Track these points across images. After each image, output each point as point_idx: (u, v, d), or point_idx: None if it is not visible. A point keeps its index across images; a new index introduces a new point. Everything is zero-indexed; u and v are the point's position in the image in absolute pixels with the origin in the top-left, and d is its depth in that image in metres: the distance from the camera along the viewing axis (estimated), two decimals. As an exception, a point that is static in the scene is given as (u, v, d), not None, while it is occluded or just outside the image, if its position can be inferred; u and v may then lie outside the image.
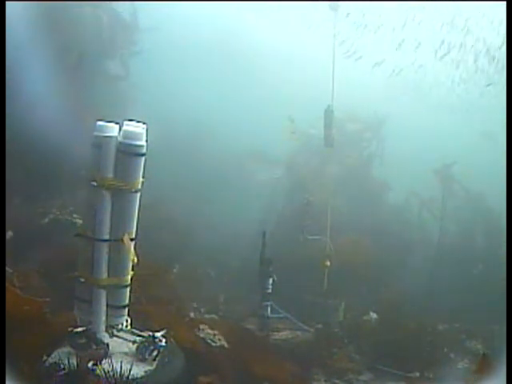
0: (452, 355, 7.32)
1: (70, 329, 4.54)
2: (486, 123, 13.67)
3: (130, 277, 4.69)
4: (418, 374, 6.70)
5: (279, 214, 11.04)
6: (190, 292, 8.02)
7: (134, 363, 4.42)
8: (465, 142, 13.90)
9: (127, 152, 4.45)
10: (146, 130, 4.54)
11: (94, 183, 4.44)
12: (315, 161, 11.55)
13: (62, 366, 4.18)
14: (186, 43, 14.68)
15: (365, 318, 8.05)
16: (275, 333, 7.49)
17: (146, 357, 4.56)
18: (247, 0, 14.41)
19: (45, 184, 7.88)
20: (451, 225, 11.50)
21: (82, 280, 4.62)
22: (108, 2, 10.14)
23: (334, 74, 8.41)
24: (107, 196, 4.47)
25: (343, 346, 7.30)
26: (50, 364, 4.26)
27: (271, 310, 7.61)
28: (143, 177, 4.58)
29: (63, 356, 4.31)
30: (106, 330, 4.69)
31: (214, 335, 6.01)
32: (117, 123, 4.52)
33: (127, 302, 4.76)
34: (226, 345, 5.97)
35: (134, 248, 4.62)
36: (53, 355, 4.36)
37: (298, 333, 7.67)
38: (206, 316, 7.86)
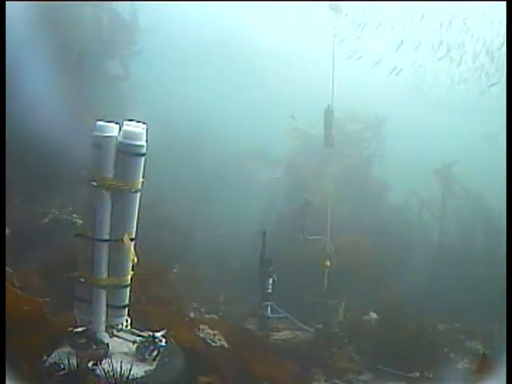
0: (452, 355, 7.32)
1: (70, 329, 4.53)
2: (486, 123, 13.68)
3: (129, 277, 4.69)
4: (418, 374, 6.71)
5: (279, 214, 11.04)
6: (190, 292, 8.02)
7: (134, 363, 4.42)
8: (465, 142, 13.90)
9: (127, 152, 4.45)
10: (146, 130, 4.54)
11: (94, 183, 4.44)
12: (315, 161, 11.56)
13: (62, 366, 4.18)
14: (185, 43, 14.70)
15: (365, 318, 8.05)
16: (275, 333, 7.49)
17: (146, 357, 4.56)
18: (247, 0, 14.42)
19: (45, 184, 7.88)
20: (451, 225, 11.51)
21: (82, 280, 4.62)
22: (108, 2, 10.15)
23: (333, 74, 8.41)
24: (107, 196, 4.47)
25: (343, 346, 7.30)
26: (50, 364, 4.25)
27: (271, 310, 7.61)
28: (143, 177, 4.57)
29: (63, 356, 4.31)
30: (106, 330, 4.68)
31: (214, 335, 6.00)
32: (117, 123, 4.51)
33: (127, 302, 4.76)
34: (225, 345, 5.96)
35: (134, 248, 4.62)
36: (53, 355, 4.36)
37: (298, 333, 7.67)
38: (206, 316, 7.86)
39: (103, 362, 4.30)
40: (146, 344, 4.63)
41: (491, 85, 13.47)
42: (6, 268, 5.46)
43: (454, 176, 11.56)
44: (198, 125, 13.53)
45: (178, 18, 13.64)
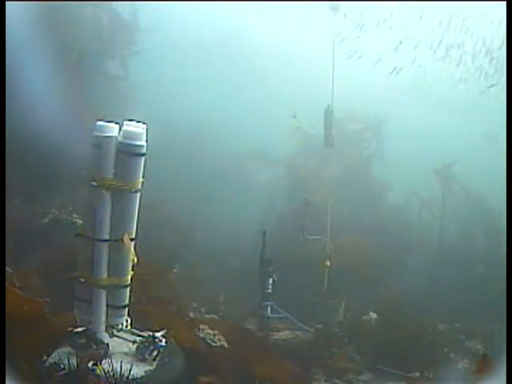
0: (452, 355, 7.32)
1: (70, 329, 4.54)
2: (486, 123, 13.68)
3: (129, 277, 4.69)
4: (418, 374, 6.71)
5: (279, 214, 11.05)
6: (190, 292, 8.01)
7: (134, 363, 4.42)
8: (465, 142, 13.90)
9: (127, 152, 4.45)
10: (146, 130, 4.54)
11: (94, 183, 4.44)
12: (315, 161, 11.56)
13: (62, 366, 4.18)
14: (185, 43, 14.68)
15: (365, 318, 8.04)
16: (275, 333, 7.48)
17: (146, 357, 4.56)
18: (247, 0, 14.42)
19: (45, 184, 7.88)
20: (451, 225, 11.51)
21: (82, 280, 4.62)
22: (108, 2, 10.14)
23: (334, 74, 8.40)
24: (107, 196, 4.47)
25: (343, 346, 7.30)
26: (50, 364, 4.25)
27: (271, 310, 7.61)
28: (143, 177, 4.58)
29: (63, 356, 4.31)
30: (106, 330, 4.69)
31: (214, 335, 6.00)
32: (117, 123, 4.52)
33: (127, 302, 4.76)
34: (225, 345, 5.96)
35: (134, 248, 4.62)
36: (53, 355, 4.36)
37: (298, 333, 7.66)
38: (206, 316, 7.86)
39: (103, 362, 4.30)
40: (146, 344, 4.63)
41: (491, 86, 13.48)
42: (6, 268, 5.46)
43: (453, 176, 11.56)
44: (198, 125, 13.52)
45: (178, 18, 13.63)
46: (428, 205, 11.81)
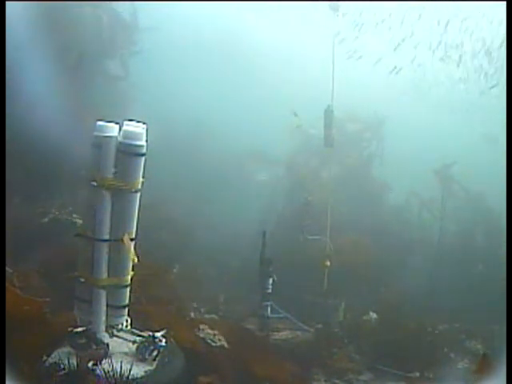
0: (452, 355, 7.32)
1: (69, 329, 4.53)
2: (486, 123, 13.69)
3: (129, 277, 4.69)
4: (418, 374, 6.71)
5: (279, 214, 11.05)
6: (190, 292, 8.01)
7: (134, 363, 4.41)
8: (465, 142, 13.92)
9: (127, 152, 4.45)
10: (146, 130, 4.54)
11: (94, 183, 4.44)
12: (315, 161, 11.57)
13: (62, 366, 4.18)
14: (185, 43, 14.70)
15: (365, 318, 8.03)
16: (275, 333, 7.48)
17: (146, 357, 4.56)
18: (247, 0, 14.43)
19: (45, 184, 7.88)
20: (451, 225, 11.50)
21: (82, 280, 4.62)
22: (108, 2, 10.14)
23: (334, 74, 8.40)
24: (107, 196, 4.47)
25: (343, 346, 7.29)
26: (50, 364, 4.25)
27: (271, 310, 7.60)
28: (143, 177, 4.58)
29: (63, 356, 4.31)
30: (106, 330, 4.68)
31: (214, 335, 6.00)
32: (117, 123, 4.52)
33: (127, 302, 4.76)
34: (226, 345, 5.96)
35: (134, 248, 4.62)
36: (53, 355, 4.36)
37: (298, 333, 7.66)
38: (206, 316, 7.86)
39: (103, 362, 4.30)
40: (146, 344, 4.63)
41: (492, 86, 13.48)
42: (6, 268, 5.46)
43: (453, 176, 11.55)
44: (198, 125, 13.53)
45: (178, 18, 13.64)
46: (428, 205, 11.81)
